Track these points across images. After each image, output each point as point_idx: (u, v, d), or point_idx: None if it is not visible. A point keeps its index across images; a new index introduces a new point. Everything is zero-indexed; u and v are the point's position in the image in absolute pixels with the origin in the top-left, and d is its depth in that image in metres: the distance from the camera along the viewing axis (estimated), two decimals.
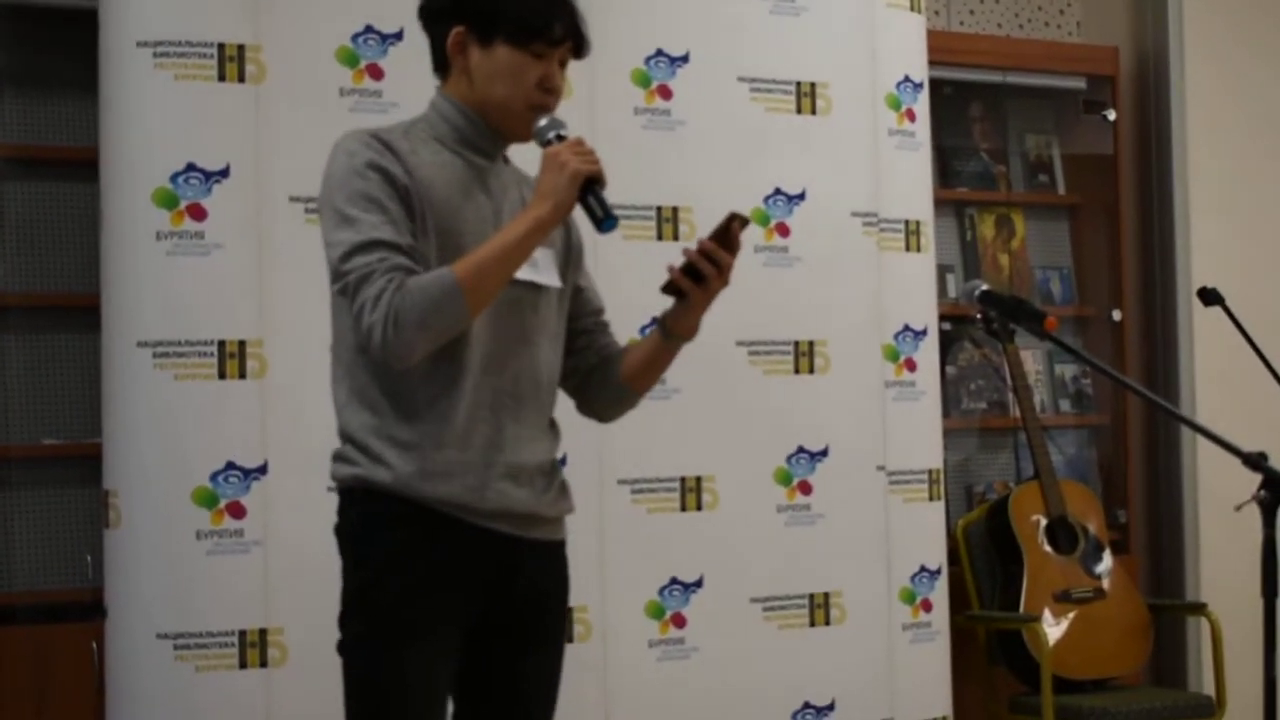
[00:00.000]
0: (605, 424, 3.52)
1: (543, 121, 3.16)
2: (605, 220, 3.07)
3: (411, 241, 3.05)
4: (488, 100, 3.18)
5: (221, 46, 4.32)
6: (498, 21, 3.14)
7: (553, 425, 3.31)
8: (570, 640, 4.57)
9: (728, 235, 3.17)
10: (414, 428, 3.08)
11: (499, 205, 3.21)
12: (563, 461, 4.57)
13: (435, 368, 3.08)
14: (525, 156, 3.26)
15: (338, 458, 3.16)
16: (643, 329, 4.71)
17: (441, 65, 3.24)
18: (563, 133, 3.15)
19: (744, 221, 3.18)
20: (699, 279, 3.19)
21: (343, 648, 3.14)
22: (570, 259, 3.35)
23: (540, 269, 3.21)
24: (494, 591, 3.16)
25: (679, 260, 3.19)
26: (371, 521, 3.11)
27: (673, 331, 3.30)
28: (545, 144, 3.14)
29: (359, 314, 2.99)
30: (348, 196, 3.05)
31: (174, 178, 4.25)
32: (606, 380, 3.39)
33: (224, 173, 4.30)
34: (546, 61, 3.17)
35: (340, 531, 3.18)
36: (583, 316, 3.40)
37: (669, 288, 3.22)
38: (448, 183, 3.13)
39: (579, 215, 3.15)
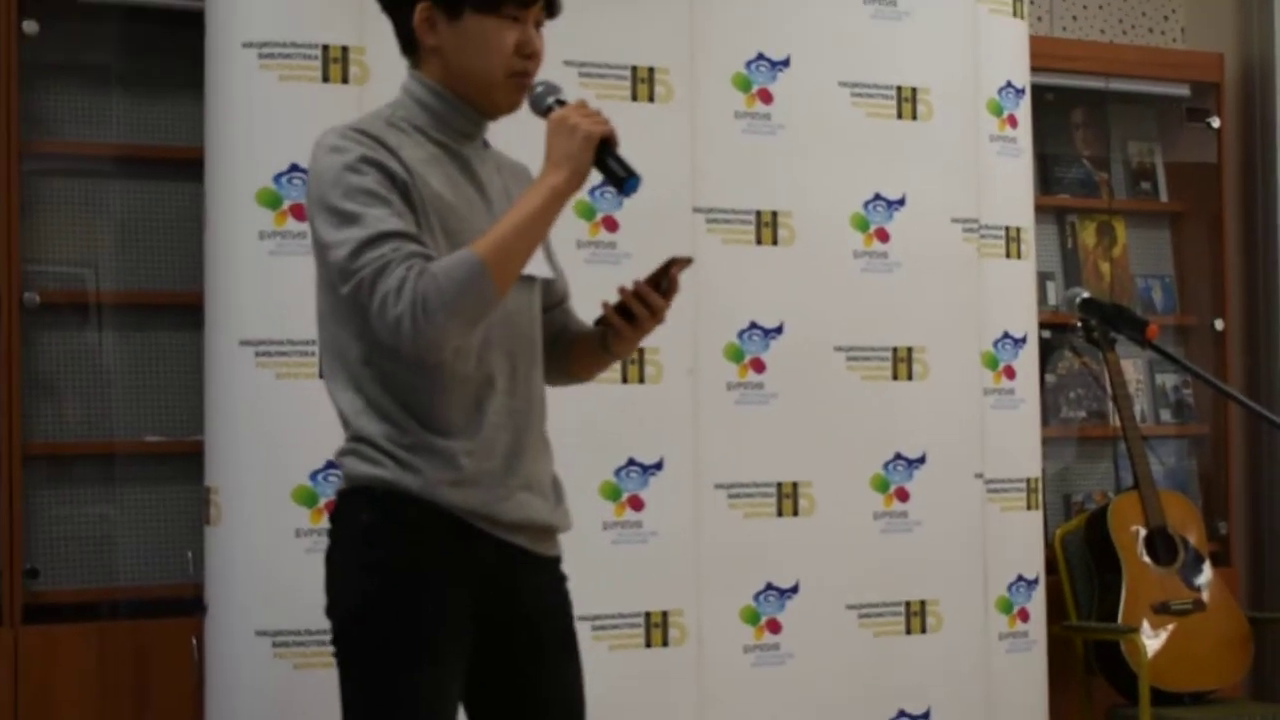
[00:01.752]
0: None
1: (538, 89, 3.03)
2: (629, 180, 2.93)
3: (417, 232, 2.89)
4: (465, 76, 3.03)
5: (326, 48, 4.34)
6: None
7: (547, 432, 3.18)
8: (665, 644, 4.60)
9: (665, 277, 3.08)
10: (441, 437, 2.95)
11: (486, 194, 3.08)
12: (659, 466, 4.64)
13: (452, 375, 2.95)
14: (523, 135, 3.18)
15: (352, 454, 3.00)
16: (740, 333, 4.74)
17: (410, 47, 3.11)
18: (562, 98, 3.01)
19: (685, 263, 3.08)
20: (631, 318, 3.11)
21: (353, 658, 2.99)
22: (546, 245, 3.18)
23: (535, 259, 3.03)
24: (504, 606, 3.04)
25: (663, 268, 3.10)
26: (391, 525, 2.96)
27: (610, 349, 3.22)
28: (545, 111, 3.00)
29: (381, 309, 2.82)
30: (345, 193, 2.89)
31: (277, 178, 4.28)
32: (557, 359, 3.26)
33: None
34: (521, 24, 3.01)
35: (345, 533, 3.03)
36: (550, 308, 3.26)
37: (601, 321, 3.14)
38: (440, 180, 3.00)
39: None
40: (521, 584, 3.07)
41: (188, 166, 4.66)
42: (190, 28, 4.50)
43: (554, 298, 3.28)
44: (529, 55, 3.03)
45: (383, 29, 4.44)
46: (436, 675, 2.97)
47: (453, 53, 3.03)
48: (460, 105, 3.07)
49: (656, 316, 3.12)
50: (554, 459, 3.18)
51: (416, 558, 2.97)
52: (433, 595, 2.97)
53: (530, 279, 3.09)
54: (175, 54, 4.78)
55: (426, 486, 2.94)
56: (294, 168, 4.26)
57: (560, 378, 3.32)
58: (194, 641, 4.42)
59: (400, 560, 2.97)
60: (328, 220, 2.91)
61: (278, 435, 4.24)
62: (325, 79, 4.34)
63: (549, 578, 3.16)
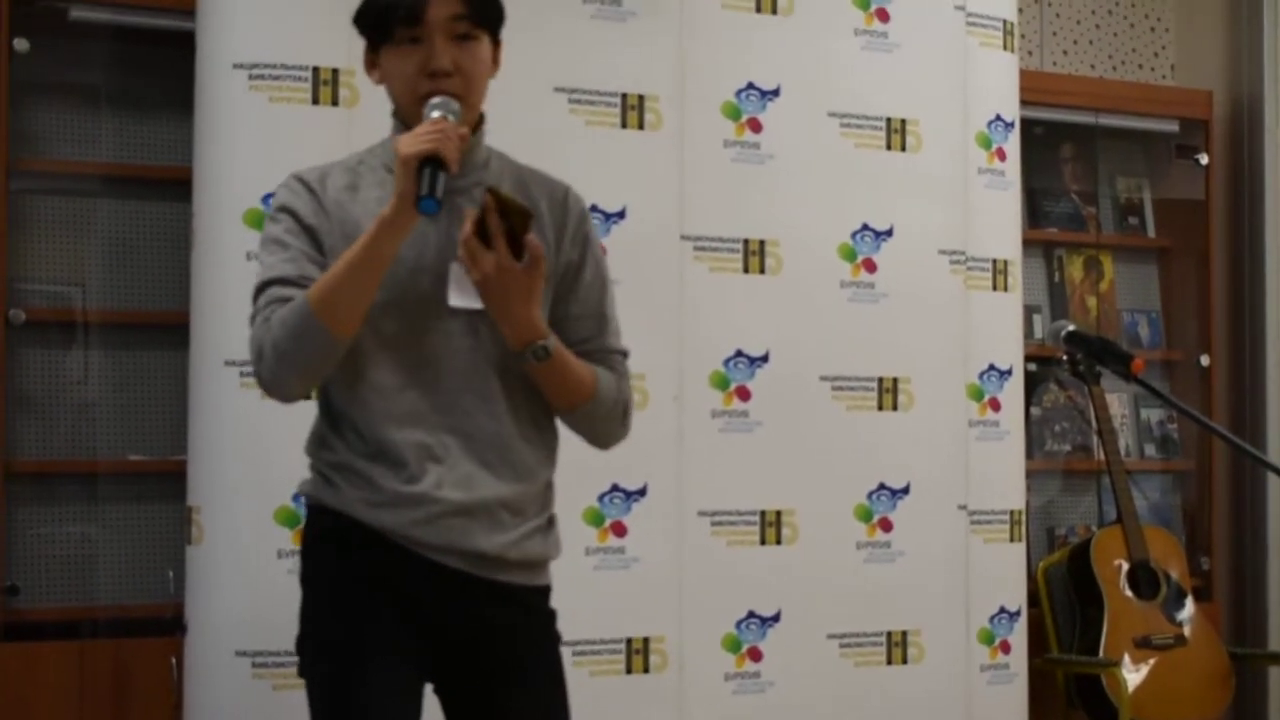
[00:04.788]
0: (604, 451, 3.26)
1: (429, 105, 2.98)
2: (423, 199, 2.83)
3: (305, 274, 2.96)
4: (398, 106, 3.10)
5: (316, 70, 4.35)
6: (365, 28, 3.09)
7: (529, 461, 3.09)
8: (647, 671, 4.60)
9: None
10: (364, 460, 2.99)
11: (454, 216, 3.01)
12: (643, 492, 4.62)
13: (374, 409, 2.98)
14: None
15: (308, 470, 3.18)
16: (726, 361, 4.74)
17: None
18: (434, 114, 2.96)
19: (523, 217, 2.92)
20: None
21: (301, 672, 3.09)
22: (549, 281, 3.06)
23: (465, 290, 2.99)
24: (444, 626, 3.03)
25: None
26: (313, 536, 3.11)
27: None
28: None
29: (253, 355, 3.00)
30: (262, 240, 3.08)
31: (265, 199, 4.26)
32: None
33: None
34: (425, 44, 3.00)
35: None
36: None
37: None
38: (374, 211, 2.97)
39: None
40: (458, 605, 3.04)
41: (176, 186, 4.67)
42: (181, 48, 4.50)
43: (565, 338, 3.10)
44: (432, 73, 3.00)
45: None
46: (372, 689, 2.99)
47: (387, 87, 3.12)
48: None
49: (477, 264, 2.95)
50: (532, 484, 3.12)
51: (336, 568, 3.05)
52: (352, 603, 3.02)
53: (464, 312, 3.02)
54: (165, 74, 4.78)
55: (342, 502, 3.02)
56: None
57: (570, 425, 3.20)
58: (173, 661, 4.40)
59: (321, 573, 3.08)
60: None
61: (261, 456, 4.23)
62: (315, 101, 4.35)
63: (510, 607, 3.08)
